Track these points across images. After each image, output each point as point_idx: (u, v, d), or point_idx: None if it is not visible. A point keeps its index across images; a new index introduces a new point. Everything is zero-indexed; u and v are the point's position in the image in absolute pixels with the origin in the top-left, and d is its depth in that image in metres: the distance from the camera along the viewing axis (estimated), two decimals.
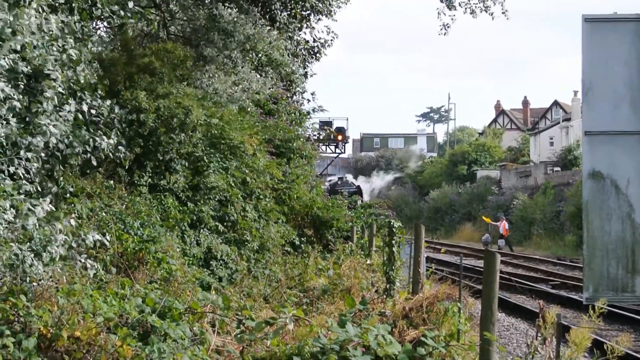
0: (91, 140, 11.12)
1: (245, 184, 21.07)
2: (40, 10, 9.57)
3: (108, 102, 11.81)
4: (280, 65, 27.02)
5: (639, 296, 7.41)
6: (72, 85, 11.02)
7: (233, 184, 19.96)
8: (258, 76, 25.19)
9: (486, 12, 29.97)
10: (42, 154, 10.16)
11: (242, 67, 23.56)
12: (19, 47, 9.40)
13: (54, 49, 10.48)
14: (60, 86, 10.36)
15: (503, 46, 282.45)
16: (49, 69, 10.04)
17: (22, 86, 9.92)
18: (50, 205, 9.63)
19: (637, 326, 21.16)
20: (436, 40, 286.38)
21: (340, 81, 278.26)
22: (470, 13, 30.19)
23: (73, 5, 11.33)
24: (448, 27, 31.28)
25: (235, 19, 21.82)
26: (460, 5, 30.29)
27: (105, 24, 13.33)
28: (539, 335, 9.50)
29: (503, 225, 56.03)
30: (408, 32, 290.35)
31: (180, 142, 17.99)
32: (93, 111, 11.47)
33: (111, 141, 11.51)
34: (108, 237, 11.07)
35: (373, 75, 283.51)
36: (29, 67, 9.97)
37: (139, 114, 16.91)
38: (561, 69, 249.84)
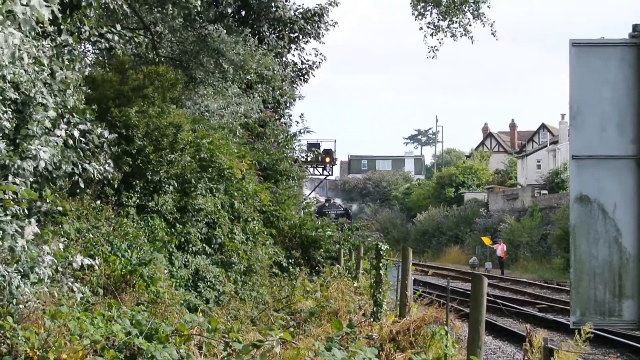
0: (79, 164, 11.11)
1: (233, 207, 21.08)
2: (27, 34, 9.55)
3: (99, 130, 11.82)
4: (270, 82, 27.15)
5: (626, 320, 7.41)
6: (61, 110, 11.02)
7: (221, 206, 19.95)
8: (246, 98, 25.30)
9: (466, 36, 30.40)
10: (31, 179, 10.13)
11: (231, 86, 23.66)
12: (9, 77, 9.39)
13: (44, 73, 10.49)
14: (51, 109, 10.36)
15: (490, 66, 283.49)
16: (38, 95, 10.04)
17: (9, 112, 9.90)
18: (36, 228, 9.60)
19: (624, 350, 21.19)
20: (423, 61, 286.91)
21: (327, 102, 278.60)
22: (451, 37, 30.63)
23: (62, 27, 11.34)
24: (436, 49, 31.59)
25: (224, 40, 21.92)
26: (442, 30, 30.79)
27: (94, 46, 13.33)
28: (526, 358, 9.52)
29: (502, 248, 56.13)
30: (395, 54, 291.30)
31: (170, 162, 17.99)
32: (83, 138, 11.48)
33: (101, 160, 11.51)
34: (97, 262, 11.06)
35: (360, 97, 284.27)
36: (17, 93, 9.97)
37: (128, 131, 16.93)
38: (548, 90, 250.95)
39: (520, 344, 18.62)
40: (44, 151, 9.92)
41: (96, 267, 11.49)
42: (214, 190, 20.08)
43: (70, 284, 10.29)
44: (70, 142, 11.02)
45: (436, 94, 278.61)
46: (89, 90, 13.01)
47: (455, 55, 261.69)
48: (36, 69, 10.41)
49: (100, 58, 17.42)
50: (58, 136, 10.54)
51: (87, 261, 10.39)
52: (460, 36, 30.63)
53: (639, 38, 7.48)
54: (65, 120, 10.90)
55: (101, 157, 11.57)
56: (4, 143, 9.70)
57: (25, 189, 9.60)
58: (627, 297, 7.36)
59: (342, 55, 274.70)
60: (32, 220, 9.64)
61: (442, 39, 31.20)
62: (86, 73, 12.72)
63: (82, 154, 11.38)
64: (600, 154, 7.43)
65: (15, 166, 9.54)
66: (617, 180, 7.39)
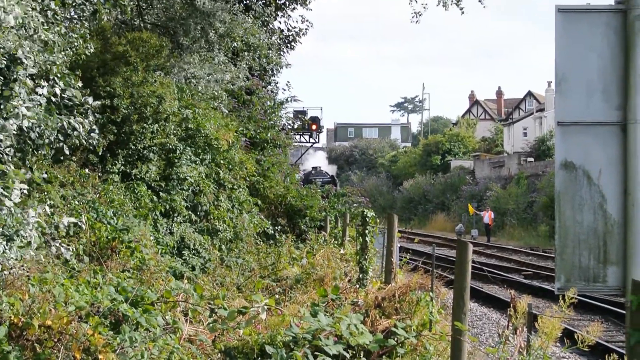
0: (65, 124, 11.03)
1: (219, 175, 21.05)
2: None
3: (80, 83, 11.72)
4: (257, 49, 26.98)
5: (611, 286, 7.43)
6: (46, 69, 10.93)
7: (206, 176, 19.90)
8: (232, 67, 25.16)
9: (457, 6, 30.00)
10: (14, 141, 10.05)
11: (218, 54, 23.51)
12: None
13: (30, 26, 10.40)
14: (32, 69, 10.27)
15: (477, 36, 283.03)
16: (22, 54, 9.94)
17: None
18: (24, 190, 9.56)
19: (608, 316, 21.32)
20: (409, 30, 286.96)
21: (314, 71, 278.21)
22: (443, 5, 30.22)
23: None
24: (420, 14, 31.23)
25: (211, 6, 21.76)
26: None
27: (77, 9, 13.15)
28: (511, 324, 9.55)
29: (489, 215, 56.26)
30: (380, 22, 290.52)
31: (153, 132, 17.92)
32: (65, 95, 11.37)
33: (85, 124, 11.42)
34: (84, 220, 11.00)
35: (347, 65, 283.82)
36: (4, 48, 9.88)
37: (112, 100, 16.84)
38: (535, 60, 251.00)
39: (505, 311, 18.67)
40: (26, 107, 9.84)
41: (83, 227, 11.44)
42: (199, 162, 20.03)
43: (58, 245, 10.25)
44: (53, 100, 10.91)
45: (423, 64, 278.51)
46: (73, 58, 12.88)
47: (442, 25, 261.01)
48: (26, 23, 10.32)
49: (85, 23, 17.25)
50: (40, 95, 10.44)
51: (73, 219, 10.35)
52: (451, 4, 30.25)
53: (624, 4, 7.46)
54: (50, 83, 10.81)
55: (86, 122, 11.47)
56: None
57: (13, 170, 9.53)
58: (612, 263, 7.37)
59: (328, 25, 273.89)
60: (19, 185, 9.57)
61: (426, 4, 30.90)
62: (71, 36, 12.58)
63: (66, 115, 11.28)
64: (586, 120, 7.42)
65: None
66: (602, 147, 7.39)
